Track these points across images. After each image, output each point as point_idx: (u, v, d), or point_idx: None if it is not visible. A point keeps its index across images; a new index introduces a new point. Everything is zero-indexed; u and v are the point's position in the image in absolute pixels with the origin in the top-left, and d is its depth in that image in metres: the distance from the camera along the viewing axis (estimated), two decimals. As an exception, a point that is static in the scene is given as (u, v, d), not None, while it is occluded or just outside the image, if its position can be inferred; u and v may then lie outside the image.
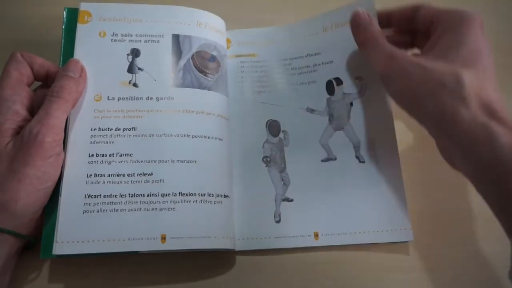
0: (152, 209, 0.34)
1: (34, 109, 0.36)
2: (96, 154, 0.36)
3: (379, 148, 0.40)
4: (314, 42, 0.44)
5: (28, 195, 0.32)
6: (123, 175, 0.35)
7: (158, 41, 0.40)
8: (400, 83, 0.34)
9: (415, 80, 0.33)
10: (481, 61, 0.33)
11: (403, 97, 0.35)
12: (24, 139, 0.32)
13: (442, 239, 0.39)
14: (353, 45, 0.40)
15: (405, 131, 0.43)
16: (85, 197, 0.34)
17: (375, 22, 0.38)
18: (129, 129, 0.37)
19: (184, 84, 0.39)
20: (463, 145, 0.31)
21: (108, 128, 0.36)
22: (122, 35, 0.39)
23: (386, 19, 0.40)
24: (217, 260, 0.37)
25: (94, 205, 0.34)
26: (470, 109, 0.31)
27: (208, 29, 0.41)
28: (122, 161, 0.36)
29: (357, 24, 0.38)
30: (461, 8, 0.36)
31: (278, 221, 0.38)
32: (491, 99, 0.31)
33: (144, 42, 0.39)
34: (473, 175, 0.32)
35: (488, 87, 0.32)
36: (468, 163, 0.32)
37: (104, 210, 0.34)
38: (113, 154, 0.36)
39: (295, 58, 0.44)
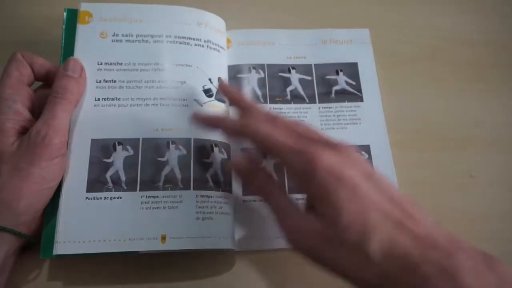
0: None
1: (34, 109, 0.36)
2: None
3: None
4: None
5: (31, 194, 0.32)
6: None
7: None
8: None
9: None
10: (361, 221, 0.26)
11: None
12: (31, 140, 0.32)
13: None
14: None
15: (400, 132, 0.43)
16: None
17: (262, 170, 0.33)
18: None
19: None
20: None
21: (109, 129, 0.37)
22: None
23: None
24: (217, 260, 0.37)
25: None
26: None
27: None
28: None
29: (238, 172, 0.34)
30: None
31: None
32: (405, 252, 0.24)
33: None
34: None
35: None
36: None
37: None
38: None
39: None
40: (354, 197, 0.26)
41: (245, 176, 0.33)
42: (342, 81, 0.44)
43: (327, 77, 0.44)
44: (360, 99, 0.44)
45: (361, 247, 0.25)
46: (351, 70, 0.45)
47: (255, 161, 0.33)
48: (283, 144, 0.29)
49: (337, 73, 0.44)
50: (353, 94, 0.44)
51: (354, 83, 0.44)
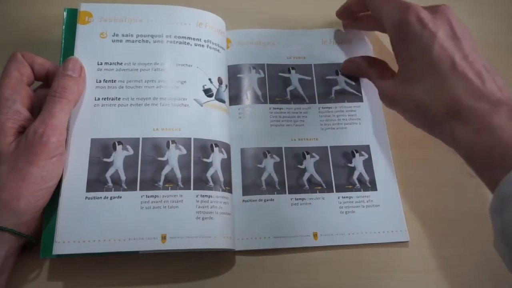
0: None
1: (34, 109, 0.36)
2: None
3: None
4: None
5: (30, 194, 0.32)
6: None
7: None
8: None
9: (402, 113, 0.38)
10: (428, 64, 0.34)
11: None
12: (28, 139, 0.32)
13: (442, 239, 0.39)
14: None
15: (400, 133, 0.43)
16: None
17: (359, 59, 0.44)
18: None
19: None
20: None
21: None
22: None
23: (347, 12, 0.45)
24: (217, 260, 0.37)
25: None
26: (438, 122, 0.33)
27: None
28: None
29: (347, 72, 0.44)
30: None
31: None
32: (454, 98, 0.32)
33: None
34: None
35: (446, 86, 0.33)
36: None
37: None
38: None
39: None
40: (434, 40, 0.34)
41: (352, 71, 0.44)
42: (341, 81, 0.44)
43: (327, 77, 0.44)
44: (360, 99, 0.44)
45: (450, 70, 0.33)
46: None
47: (355, 60, 0.44)
48: None
49: (337, 74, 0.44)
50: (353, 94, 0.44)
51: (353, 83, 0.44)
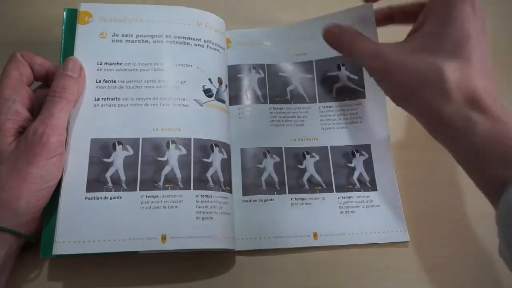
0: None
1: (34, 109, 0.36)
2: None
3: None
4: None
5: (30, 194, 0.32)
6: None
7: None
8: (387, 83, 0.35)
9: (399, 80, 0.34)
10: (466, 48, 0.32)
11: (392, 94, 0.36)
12: (28, 139, 0.32)
13: (442, 239, 0.39)
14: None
15: (400, 133, 0.43)
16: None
17: (347, 28, 0.38)
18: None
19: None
20: (447, 137, 0.33)
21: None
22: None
23: (387, 16, 0.42)
24: (217, 260, 0.37)
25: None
26: (452, 102, 0.31)
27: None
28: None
29: (330, 39, 0.39)
30: None
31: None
32: (476, 87, 0.31)
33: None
34: (460, 164, 0.33)
35: (473, 74, 0.32)
36: (454, 154, 0.33)
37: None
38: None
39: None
40: (476, 29, 0.33)
41: (334, 40, 0.38)
42: (343, 76, 0.43)
43: (329, 73, 0.44)
44: (362, 95, 0.43)
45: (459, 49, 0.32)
46: (354, 61, 0.42)
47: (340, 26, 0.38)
48: None
49: (339, 68, 0.44)
50: (355, 90, 0.43)
51: (356, 77, 0.43)
